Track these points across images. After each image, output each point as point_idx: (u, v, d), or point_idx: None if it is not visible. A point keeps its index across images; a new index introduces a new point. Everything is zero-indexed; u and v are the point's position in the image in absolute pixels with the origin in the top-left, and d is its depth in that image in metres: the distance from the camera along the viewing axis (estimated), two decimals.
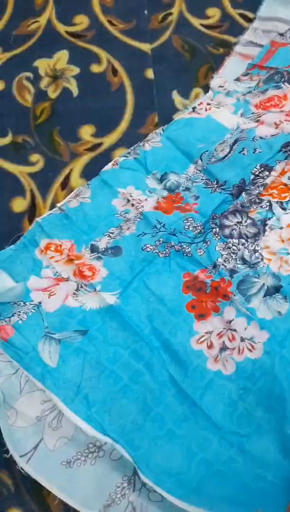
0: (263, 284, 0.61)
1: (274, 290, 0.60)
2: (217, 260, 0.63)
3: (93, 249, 0.65)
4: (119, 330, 0.59)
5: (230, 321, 0.59)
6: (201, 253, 0.64)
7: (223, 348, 0.58)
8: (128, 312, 0.60)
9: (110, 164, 0.72)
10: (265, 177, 0.68)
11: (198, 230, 0.66)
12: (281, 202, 0.66)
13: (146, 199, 0.69)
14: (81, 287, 0.62)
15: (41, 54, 0.84)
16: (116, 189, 0.69)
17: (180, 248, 0.64)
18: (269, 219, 0.65)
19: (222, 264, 0.63)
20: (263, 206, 0.66)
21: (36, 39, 0.83)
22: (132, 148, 0.73)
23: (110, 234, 0.66)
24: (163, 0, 0.88)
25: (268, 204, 0.67)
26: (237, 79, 0.79)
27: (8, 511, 0.58)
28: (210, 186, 0.69)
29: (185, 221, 0.66)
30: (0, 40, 0.83)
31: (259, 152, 0.69)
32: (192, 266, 0.63)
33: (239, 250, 0.64)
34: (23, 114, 0.77)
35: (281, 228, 0.65)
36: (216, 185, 0.69)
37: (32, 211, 0.72)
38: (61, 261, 0.64)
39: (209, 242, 0.64)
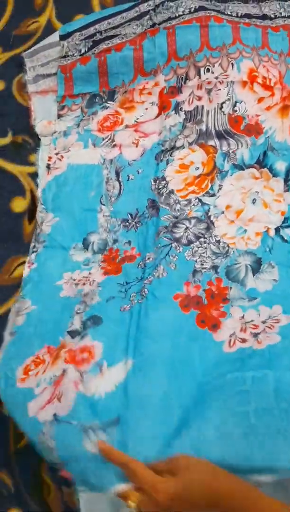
0: (245, 264, 0.62)
1: (257, 265, 0.62)
2: (194, 266, 0.62)
3: (72, 333, 0.59)
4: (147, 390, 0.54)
5: (242, 317, 0.59)
6: (174, 267, 0.62)
7: (255, 334, 0.58)
8: (148, 373, 0.55)
9: (26, 267, 0.66)
10: (166, 185, 0.67)
11: (154, 254, 0.64)
12: (207, 192, 0.67)
13: (89, 273, 0.64)
14: (82, 375, 0.55)
15: None
16: (55, 284, 0.64)
17: (151, 278, 0.61)
18: (208, 210, 0.66)
19: (202, 268, 0.62)
20: (195, 204, 0.66)
21: (36, 39, 0.83)
22: (32, 242, 0.68)
23: (78, 311, 0.60)
24: None
25: (197, 200, 0.66)
26: (59, 116, 0.75)
27: (8, 511, 0.58)
28: (130, 225, 0.67)
29: (139, 268, 0.64)
30: (0, 40, 0.83)
31: (142, 171, 0.69)
32: (175, 283, 0.61)
33: (205, 248, 0.63)
34: (23, 114, 0.77)
35: (223, 212, 0.66)
36: (133, 221, 0.67)
37: (32, 211, 0.72)
38: (48, 366, 0.57)
39: (176, 256, 0.63)
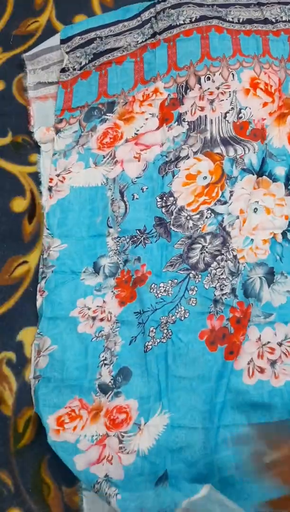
0: (257, 277, 0.61)
1: (271, 276, 0.61)
2: (214, 294, 0.60)
3: (103, 387, 0.59)
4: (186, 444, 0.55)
5: (259, 338, 0.59)
6: (194, 303, 0.61)
7: (272, 362, 0.58)
8: (184, 419, 0.56)
9: (38, 295, 0.65)
10: (174, 202, 0.65)
11: (170, 287, 0.62)
12: (218, 200, 0.65)
13: (104, 301, 0.63)
14: (122, 437, 0.56)
15: None
16: (70, 316, 0.63)
17: (174, 318, 0.60)
18: (222, 221, 0.64)
19: (221, 295, 0.60)
20: (207, 217, 0.64)
21: (36, 39, 0.83)
22: (41, 267, 0.67)
23: (105, 362, 0.60)
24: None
25: (209, 212, 0.64)
26: (57, 131, 0.73)
27: (8, 511, 0.58)
28: (138, 240, 0.65)
29: (151, 291, 0.62)
30: (0, 40, 0.83)
31: (147, 188, 0.67)
32: (199, 322, 0.60)
33: (223, 267, 0.61)
34: (23, 114, 0.77)
35: (237, 217, 0.64)
36: (141, 236, 0.65)
37: (32, 211, 0.72)
38: (87, 423, 0.57)
39: (195, 288, 0.61)
